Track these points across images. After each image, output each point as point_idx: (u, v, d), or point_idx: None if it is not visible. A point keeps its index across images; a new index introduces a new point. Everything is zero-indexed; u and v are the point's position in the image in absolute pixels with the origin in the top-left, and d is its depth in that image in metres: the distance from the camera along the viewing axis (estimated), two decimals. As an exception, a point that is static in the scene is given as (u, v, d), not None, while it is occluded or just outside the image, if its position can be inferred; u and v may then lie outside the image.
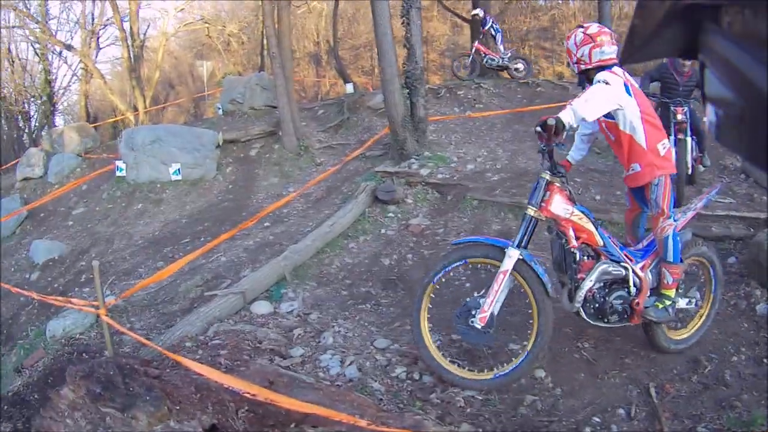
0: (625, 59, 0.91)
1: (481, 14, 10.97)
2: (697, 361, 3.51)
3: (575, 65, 3.09)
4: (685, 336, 3.52)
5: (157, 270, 5.46)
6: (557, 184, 2.96)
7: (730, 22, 0.61)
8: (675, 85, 5.54)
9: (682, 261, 3.15)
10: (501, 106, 9.76)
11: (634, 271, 3.10)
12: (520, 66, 10.78)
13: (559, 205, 2.92)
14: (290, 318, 4.04)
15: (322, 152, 9.29)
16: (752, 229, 4.74)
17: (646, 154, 3.00)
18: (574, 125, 2.74)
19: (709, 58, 0.71)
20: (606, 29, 3.09)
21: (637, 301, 3.11)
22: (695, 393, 3.24)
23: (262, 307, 4.18)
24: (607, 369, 3.41)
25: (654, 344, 3.44)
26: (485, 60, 10.75)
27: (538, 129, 2.74)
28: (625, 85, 2.89)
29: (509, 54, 11.00)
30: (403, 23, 6.84)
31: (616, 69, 2.95)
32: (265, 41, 16.01)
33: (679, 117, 5.30)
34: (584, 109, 2.66)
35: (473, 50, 10.73)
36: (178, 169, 8.20)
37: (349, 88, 11.86)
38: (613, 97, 2.78)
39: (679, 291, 3.33)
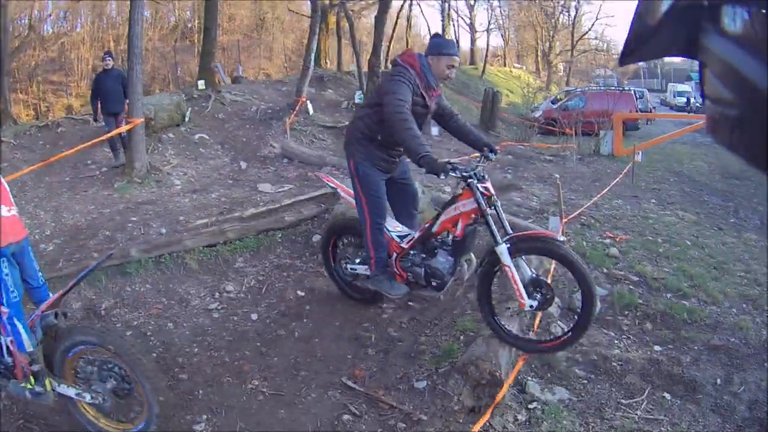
0: (625, 59, 0.89)
1: None
2: (359, 337, 3.59)
3: None
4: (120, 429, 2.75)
5: None
6: None
7: (729, 22, 0.61)
8: (422, 107, 3.29)
9: (25, 351, 2.65)
10: (27, 160, 7.80)
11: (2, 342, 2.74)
12: None
13: None
14: None
15: None
16: (323, 205, 5.21)
17: None
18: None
19: (709, 58, 0.70)
20: None
21: (15, 370, 2.72)
22: (382, 362, 3.32)
23: None
24: (295, 391, 3.10)
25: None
26: None
27: None
28: None
29: None
30: None
31: None
32: None
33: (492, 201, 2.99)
34: None
35: None
36: None
37: None
38: None
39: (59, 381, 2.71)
